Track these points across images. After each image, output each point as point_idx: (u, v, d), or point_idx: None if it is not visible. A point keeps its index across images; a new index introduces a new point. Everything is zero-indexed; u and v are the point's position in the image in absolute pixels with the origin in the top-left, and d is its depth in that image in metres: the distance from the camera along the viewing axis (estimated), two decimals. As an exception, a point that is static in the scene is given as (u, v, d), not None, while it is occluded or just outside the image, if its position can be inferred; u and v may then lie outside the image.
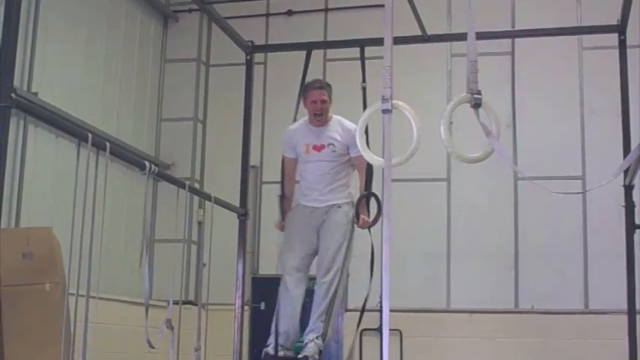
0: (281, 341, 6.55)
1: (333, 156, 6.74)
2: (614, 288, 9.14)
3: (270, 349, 6.50)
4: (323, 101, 6.76)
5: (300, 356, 6.41)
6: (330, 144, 6.74)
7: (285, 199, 7.05)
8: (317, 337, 6.49)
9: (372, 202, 6.77)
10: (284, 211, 7.02)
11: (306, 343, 6.48)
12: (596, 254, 10.15)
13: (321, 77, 10.56)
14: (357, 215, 6.69)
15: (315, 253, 6.76)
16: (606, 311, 9.71)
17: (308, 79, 7.31)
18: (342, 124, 6.79)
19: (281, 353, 6.49)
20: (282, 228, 6.98)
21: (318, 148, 6.78)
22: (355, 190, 6.88)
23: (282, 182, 7.10)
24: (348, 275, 6.81)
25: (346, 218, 6.73)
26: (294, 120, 7.12)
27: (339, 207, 6.74)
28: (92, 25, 9.79)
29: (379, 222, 6.51)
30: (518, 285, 10.38)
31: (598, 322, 9.87)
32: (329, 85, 6.92)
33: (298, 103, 7.13)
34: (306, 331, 6.58)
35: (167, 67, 11.63)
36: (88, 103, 9.55)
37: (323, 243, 6.71)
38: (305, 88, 6.94)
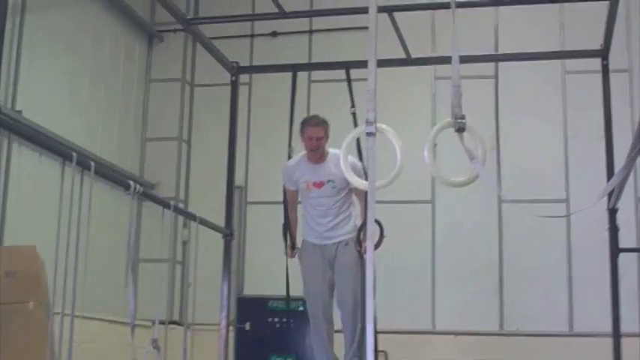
0: None
1: (333, 192, 6.87)
2: (598, 310, 9.15)
3: None
4: (318, 138, 6.86)
5: None
6: (329, 180, 6.86)
7: (290, 225, 7.19)
8: None
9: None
10: (292, 236, 7.18)
11: None
12: (581, 277, 10.17)
13: (305, 99, 10.64)
14: (359, 242, 6.79)
15: (334, 284, 6.97)
16: (591, 334, 9.71)
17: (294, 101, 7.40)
18: (338, 158, 6.83)
19: None
20: (292, 255, 7.07)
21: (319, 185, 6.91)
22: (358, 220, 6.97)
23: (286, 210, 7.23)
24: None
25: (356, 255, 6.85)
26: (289, 154, 7.20)
27: (347, 244, 6.90)
28: (77, 44, 9.78)
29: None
30: (503, 307, 10.39)
31: (583, 345, 9.86)
32: (325, 122, 6.96)
33: (290, 134, 7.19)
34: None
35: (152, 87, 11.63)
36: (72, 122, 9.52)
37: (339, 288, 6.93)
38: (302, 124, 6.99)
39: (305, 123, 6.96)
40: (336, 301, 6.97)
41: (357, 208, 7.06)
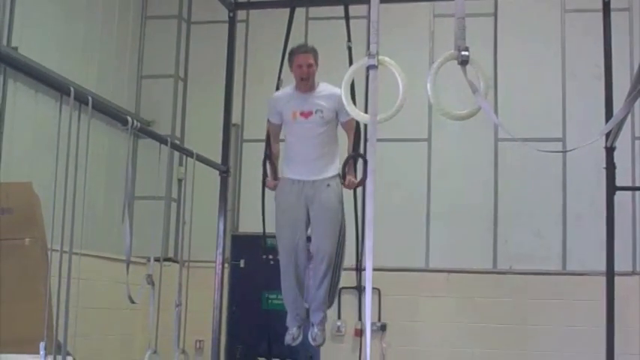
0: (299, 323, 6.96)
1: (321, 122, 6.71)
2: (591, 250, 9.25)
3: (290, 339, 7.01)
4: (309, 65, 6.68)
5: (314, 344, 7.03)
6: (318, 110, 6.70)
7: (272, 156, 7.06)
8: (320, 323, 6.92)
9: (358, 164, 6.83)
10: (273, 169, 7.03)
11: (316, 333, 6.95)
12: (575, 216, 10.21)
13: (303, 37, 10.54)
14: (344, 175, 6.73)
15: (308, 226, 6.81)
16: (583, 272, 9.80)
17: (290, 38, 7.28)
18: (329, 90, 6.74)
19: (299, 339, 7.01)
20: (273, 186, 6.98)
21: (306, 115, 6.72)
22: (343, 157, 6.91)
23: (268, 143, 7.09)
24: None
25: (336, 197, 6.76)
26: (278, 86, 7.06)
27: (328, 185, 6.74)
28: (73, -20, 9.69)
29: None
30: (497, 245, 10.44)
31: (575, 283, 9.96)
32: (315, 50, 6.81)
33: (281, 67, 7.08)
34: (311, 312, 6.93)
35: (148, 24, 11.52)
36: (67, 59, 9.44)
37: (316, 230, 6.77)
38: (291, 52, 6.83)
39: (294, 51, 6.79)
40: (312, 244, 6.81)
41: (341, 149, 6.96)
